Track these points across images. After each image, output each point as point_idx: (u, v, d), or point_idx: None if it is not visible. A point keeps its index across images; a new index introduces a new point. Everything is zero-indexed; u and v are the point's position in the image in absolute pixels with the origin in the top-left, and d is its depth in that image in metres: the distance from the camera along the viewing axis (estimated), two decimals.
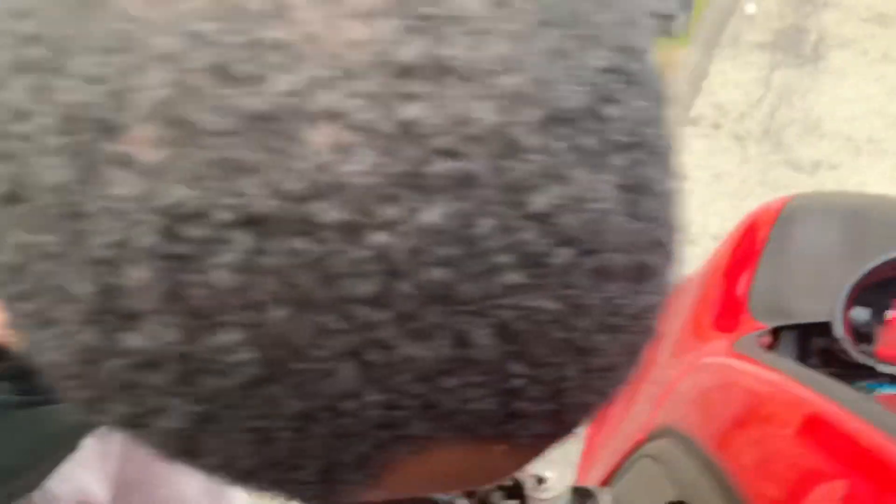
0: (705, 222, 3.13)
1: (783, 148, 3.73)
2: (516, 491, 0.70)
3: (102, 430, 0.79)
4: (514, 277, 0.24)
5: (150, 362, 0.25)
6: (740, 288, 1.14)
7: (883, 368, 0.90)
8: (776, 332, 1.02)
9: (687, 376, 0.81)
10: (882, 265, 0.98)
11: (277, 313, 0.23)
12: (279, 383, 0.25)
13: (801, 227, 1.34)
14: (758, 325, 1.00)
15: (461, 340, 0.24)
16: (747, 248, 1.31)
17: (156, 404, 0.26)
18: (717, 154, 3.75)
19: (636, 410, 1.02)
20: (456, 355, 0.25)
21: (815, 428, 0.49)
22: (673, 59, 4.42)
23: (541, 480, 0.74)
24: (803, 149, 3.68)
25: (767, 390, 0.59)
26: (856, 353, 0.91)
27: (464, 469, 0.30)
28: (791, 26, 5.26)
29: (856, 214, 1.37)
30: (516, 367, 0.26)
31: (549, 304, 0.25)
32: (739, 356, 0.76)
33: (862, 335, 0.99)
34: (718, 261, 1.33)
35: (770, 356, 0.76)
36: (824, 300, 1.03)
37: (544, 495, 0.74)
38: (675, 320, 1.22)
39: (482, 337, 0.24)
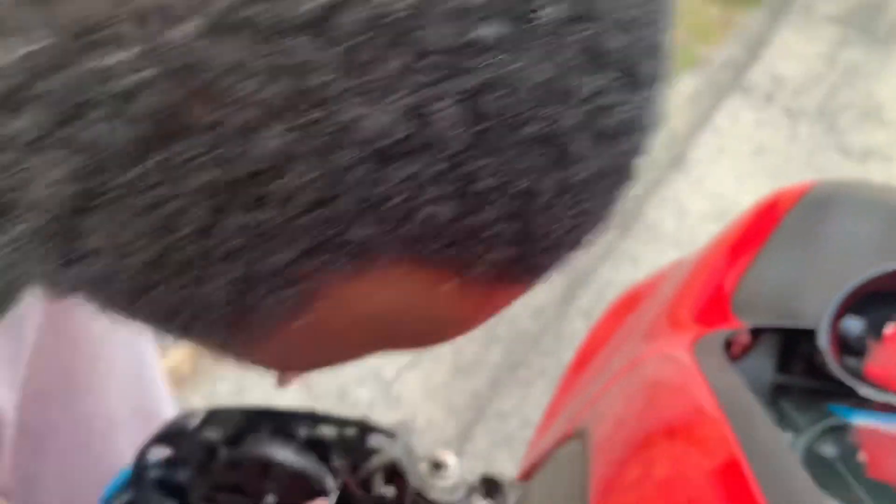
0: (737, 198, 2.98)
1: (836, 131, 3.53)
2: (398, 477, 0.61)
3: (14, 329, 0.72)
4: (492, 29, 0.19)
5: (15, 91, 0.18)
6: (731, 277, 1.03)
7: (865, 392, 0.79)
8: (757, 332, 0.92)
9: (625, 376, 0.72)
10: (888, 274, 0.86)
11: (185, 27, 0.18)
12: (183, 140, 0.19)
13: (821, 218, 1.21)
14: (735, 324, 0.89)
15: (420, 109, 0.20)
16: (754, 233, 1.19)
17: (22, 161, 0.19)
18: (764, 127, 3.54)
19: (586, 388, 0.93)
20: (412, 130, 0.20)
21: (729, 475, 0.40)
22: (735, 21, 4.20)
23: (438, 466, 0.66)
24: (857, 135, 3.48)
25: (698, 416, 0.50)
26: (838, 371, 0.80)
27: (403, 313, 0.26)
28: (869, 2, 4.99)
29: (890, 212, 1.23)
30: (482, 161, 0.21)
31: (531, 72, 0.20)
32: (694, 360, 0.67)
33: (853, 348, 0.88)
34: (720, 243, 1.21)
35: (721, 372, 0.66)
36: (820, 302, 0.92)
37: (441, 483, 0.66)
38: (656, 300, 1.11)
39: (447, 108, 0.20)
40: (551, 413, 1.13)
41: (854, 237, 1.17)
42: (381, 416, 1.86)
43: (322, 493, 0.62)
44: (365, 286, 0.24)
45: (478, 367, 2.20)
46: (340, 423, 0.63)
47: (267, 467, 0.62)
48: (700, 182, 3.07)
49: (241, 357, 0.29)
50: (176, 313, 0.24)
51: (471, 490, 0.69)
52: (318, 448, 0.63)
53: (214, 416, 0.63)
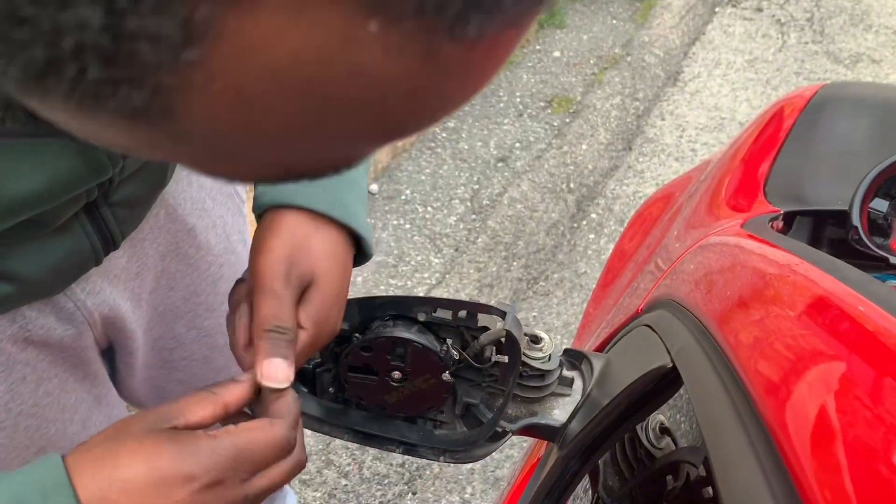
0: (734, 107, 3.06)
1: (825, 38, 3.58)
2: (510, 348, 0.71)
3: (137, 248, 0.74)
4: None
5: None
6: (759, 171, 1.12)
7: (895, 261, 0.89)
8: (789, 218, 1.01)
9: (692, 252, 0.80)
10: None
11: None
12: None
13: (830, 116, 1.30)
14: (771, 209, 0.99)
15: None
16: (772, 132, 1.28)
17: None
18: (755, 38, 3.59)
19: (638, 284, 1.03)
20: None
21: (820, 309, 0.48)
22: None
23: (535, 340, 0.75)
24: (846, 41, 3.54)
25: (773, 271, 0.58)
26: (871, 243, 0.90)
27: (326, 64, 0.23)
28: None
29: (890, 107, 1.32)
30: None
31: None
32: (749, 235, 0.76)
33: (877, 228, 0.98)
34: (741, 143, 1.30)
35: (779, 237, 0.75)
36: (843, 191, 1.01)
37: (536, 354, 0.75)
38: (691, 197, 1.20)
39: None
40: (596, 299, 1.23)
41: (863, 133, 1.26)
42: None
43: (442, 366, 0.71)
44: (265, 24, 0.22)
45: (501, 282, 2.30)
46: (454, 305, 0.72)
47: (393, 347, 0.71)
48: (696, 95, 3.14)
49: (170, 145, 0.26)
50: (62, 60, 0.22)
51: (560, 361, 0.78)
52: (435, 328, 0.72)
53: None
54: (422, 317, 0.71)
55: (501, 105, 3.12)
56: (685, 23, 3.58)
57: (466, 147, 2.89)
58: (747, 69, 3.32)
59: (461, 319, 0.71)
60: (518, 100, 3.17)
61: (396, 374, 0.72)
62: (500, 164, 2.75)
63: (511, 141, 2.92)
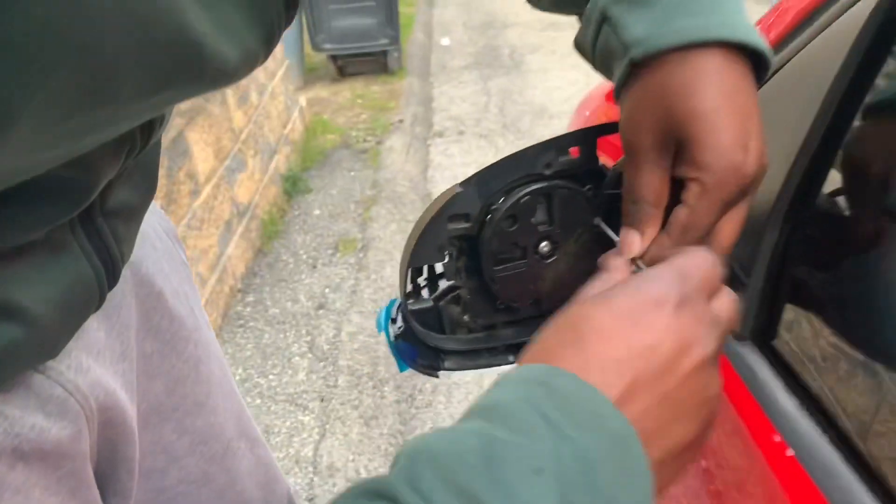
0: None
1: (524, 134, 4.21)
2: None
3: (117, 326, 0.64)
4: None
5: None
6: None
7: None
8: None
9: None
10: None
11: None
12: None
13: None
14: None
15: None
16: None
17: None
18: (472, 152, 4.11)
19: None
20: None
21: None
22: (399, 90, 4.93)
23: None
24: (540, 129, 4.21)
25: None
26: None
27: None
28: (485, 47, 6.01)
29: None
30: None
31: None
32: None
33: None
34: None
35: None
36: None
37: None
38: None
39: None
40: None
41: None
42: None
43: (592, 209, 0.63)
44: None
45: (381, 410, 2.38)
46: (566, 141, 0.63)
47: (536, 205, 0.62)
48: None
49: None
50: None
51: None
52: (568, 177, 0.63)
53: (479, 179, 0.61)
54: (547, 171, 0.62)
55: (291, 266, 3.11)
56: (411, 157, 4.06)
57: (278, 311, 2.81)
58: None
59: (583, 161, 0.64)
60: (304, 256, 3.18)
61: (545, 247, 0.64)
62: (321, 311, 2.83)
63: (319, 289, 2.92)
